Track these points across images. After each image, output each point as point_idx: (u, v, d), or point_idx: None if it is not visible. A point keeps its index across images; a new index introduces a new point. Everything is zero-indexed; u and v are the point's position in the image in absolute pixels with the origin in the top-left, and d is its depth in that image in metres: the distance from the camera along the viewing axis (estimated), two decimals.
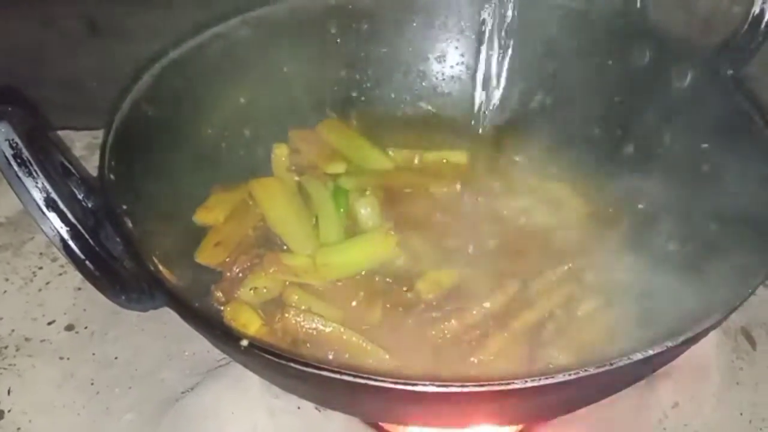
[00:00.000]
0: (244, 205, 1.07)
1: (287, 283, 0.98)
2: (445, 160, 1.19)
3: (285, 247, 1.03)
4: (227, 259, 1.01)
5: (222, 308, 0.97)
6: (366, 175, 1.14)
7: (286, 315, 0.92)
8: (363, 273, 1.01)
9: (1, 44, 1.58)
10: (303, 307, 0.95)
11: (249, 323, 0.93)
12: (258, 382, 0.95)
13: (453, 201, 1.12)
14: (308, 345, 0.92)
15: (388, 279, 1.00)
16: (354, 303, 0.97)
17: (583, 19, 1.15)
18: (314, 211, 1.07)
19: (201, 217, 1.05)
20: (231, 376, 0.98)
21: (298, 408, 0.95)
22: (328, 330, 0.92)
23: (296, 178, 1.12)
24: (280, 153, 1.13)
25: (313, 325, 0.92)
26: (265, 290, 0.98)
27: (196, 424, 0.96)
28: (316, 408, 0.95)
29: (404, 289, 0.99)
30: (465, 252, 1.05)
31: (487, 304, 0.96)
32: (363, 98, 1.25)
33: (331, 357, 0.92)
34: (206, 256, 1.02)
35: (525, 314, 0.95)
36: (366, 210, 1.07)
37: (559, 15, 1.16)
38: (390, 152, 1.19)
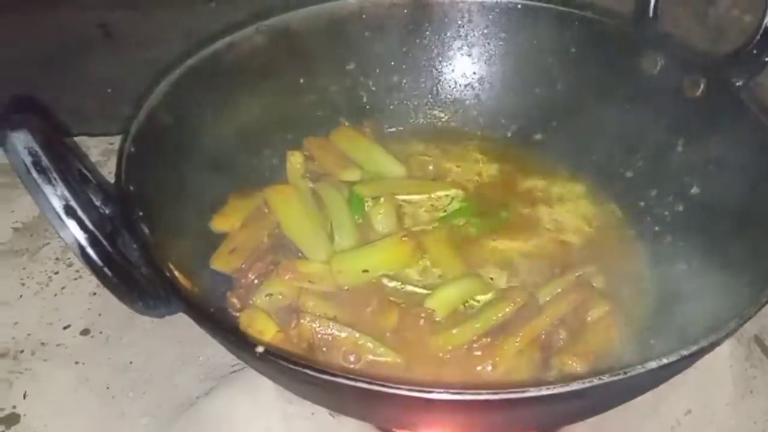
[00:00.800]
0: (260, 212, 1.08)
1: (302, 289, 0.99)
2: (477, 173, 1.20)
3: (300, 254, 1.04)
4: (242, 266, 1.02)
5: (237, 315, 0.97)
6: (380, 182, 1.14)
7: (302, 321, 0.93)
8: (377, 279, 1.01)
9: (17, 52, 1.59)
10: (318, 313, 0.95)
11: (265, 330, 0.93)
12: (272, 388, 0.96)
13: (464, 208, 1.13)
14: (324, 350, 0.93)
15: (401, 285, 1.01)
16: (369, 309, 0.97)
17: (594, 28, 1.15)
18: (329, 217, 1.07)
19: (217, 224, 1.06)
20: (245, 382, 0.98)
21: (312, 414, 0.96)
22: (343, 335, 0.93)
23: (311, 185, 1.12)
24: (295, 160, 1.14)
25: (329, 331, 0.93)
26: (280, 297, 0.98)
27: (210, 429, 0.96)
28: (330, 414, 0.96)
29: (417, 299, 0.99)
30: (477, 258, 1.06)
31: (497, 313, 0.96)
32: (375, 107, 1.27)
33: (346, 363, 0.92)
34: (222, 262, 1.02)
35: (534, 322, 0.95)
36: (381, 216, 1.08)
37: (570, 25, 1.16)
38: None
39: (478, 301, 0.99)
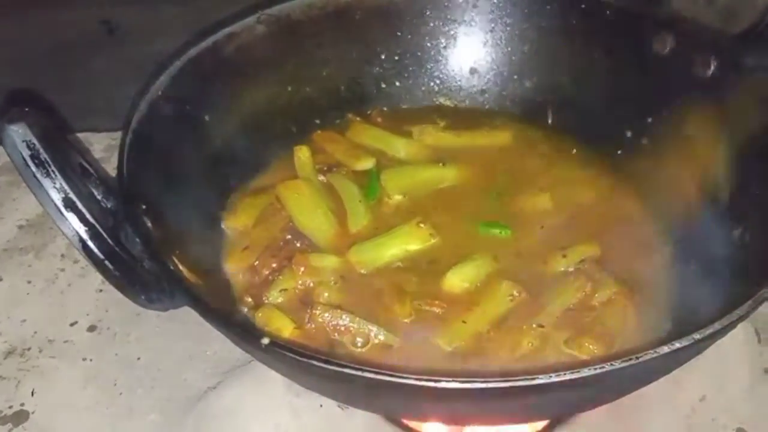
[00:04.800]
0: (272, 209, 1.06)
1: (316, 282, 0.97)
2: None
3: (314, 248, 1.02)
4: (256, 263, 1.00)
5: (252, 313, 0.95)
6: (394, 169, 1.14)
7: (315, 312, 0.92)
8: (391, 267, 1.00)
9: (21, 47, 1.59)
10: (331, 305, 0.94)
11: (282, 327, 0.91)
12: (280, 381, 0.95)
13: (472, 192, 1.12)
14: (336, 336, 0.92)
15: (415, 272, 0.99)
16: (382, 298, 0.96)
17: (602, 10, 1.13)
18: (343, 205, 1.07)
19: (229, 222, 1.05)
20: (253, 376, 0.98)
21: (321, 406, 0.95)
22: (354, 326, 0.91)
23: (321, 178, 1.11)
24: (302, 155, 1.12)
25: (341, 322, 0.92)
26: (295, 292, 0.97)
27: (219, 424, 0.96)
28: (339, 406, 0.95)
29: (431, 283, 0.98)
30: (488, 240, 1.05)
31: (506, 302, 0.95)
32: (381, 95, 1.25)
33: (353, 347, 0.92)
34: (235, 260, 1.01)
35: (545, 309, 0.94)
36: (395, 201, 1.09)
37: (577, 7, 1.15)
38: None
39: (488, 286, 0.97)
